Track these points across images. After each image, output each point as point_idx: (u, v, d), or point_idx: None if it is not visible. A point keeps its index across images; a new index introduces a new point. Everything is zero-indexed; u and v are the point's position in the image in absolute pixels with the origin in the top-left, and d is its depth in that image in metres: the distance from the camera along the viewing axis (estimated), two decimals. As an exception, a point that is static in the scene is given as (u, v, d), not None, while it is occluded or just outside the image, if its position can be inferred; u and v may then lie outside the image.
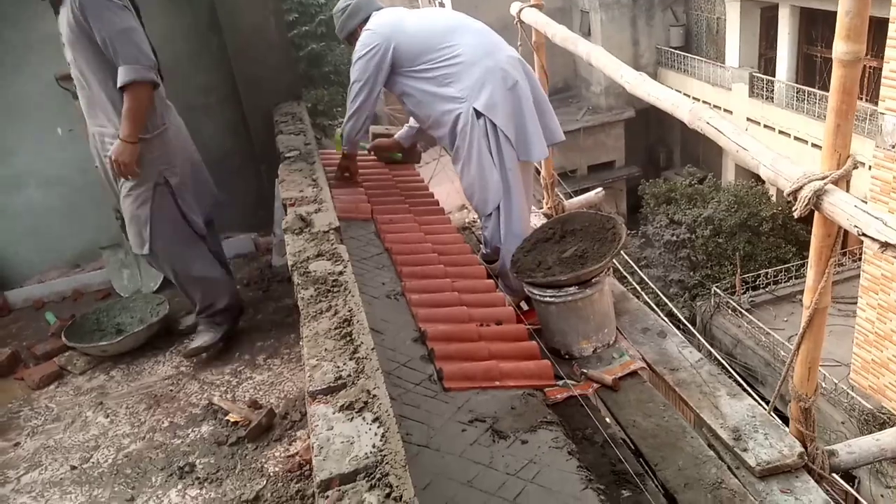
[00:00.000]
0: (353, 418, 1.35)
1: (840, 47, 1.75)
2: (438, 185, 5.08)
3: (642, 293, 9.28)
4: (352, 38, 3.40)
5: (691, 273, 13.81)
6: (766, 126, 14.79)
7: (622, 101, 18.90)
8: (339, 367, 1.52)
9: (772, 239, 13.58)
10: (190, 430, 2.68)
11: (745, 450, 2.30)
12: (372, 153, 4.07)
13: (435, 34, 3.24)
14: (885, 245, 1.67)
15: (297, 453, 2.41)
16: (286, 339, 3.19)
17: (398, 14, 3.36)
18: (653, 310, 3.59)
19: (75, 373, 3.15)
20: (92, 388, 3.05)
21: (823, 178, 1.87)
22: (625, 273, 9.23)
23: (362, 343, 1.59)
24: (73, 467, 2.56)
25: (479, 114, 3.10)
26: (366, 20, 3.34)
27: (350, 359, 1.54)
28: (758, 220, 13.56)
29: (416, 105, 3.33)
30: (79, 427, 2.79)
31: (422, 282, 2.85)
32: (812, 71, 14.98)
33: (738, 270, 12.94)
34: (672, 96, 2.59)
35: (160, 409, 2.84)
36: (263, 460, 2.44)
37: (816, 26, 14.59)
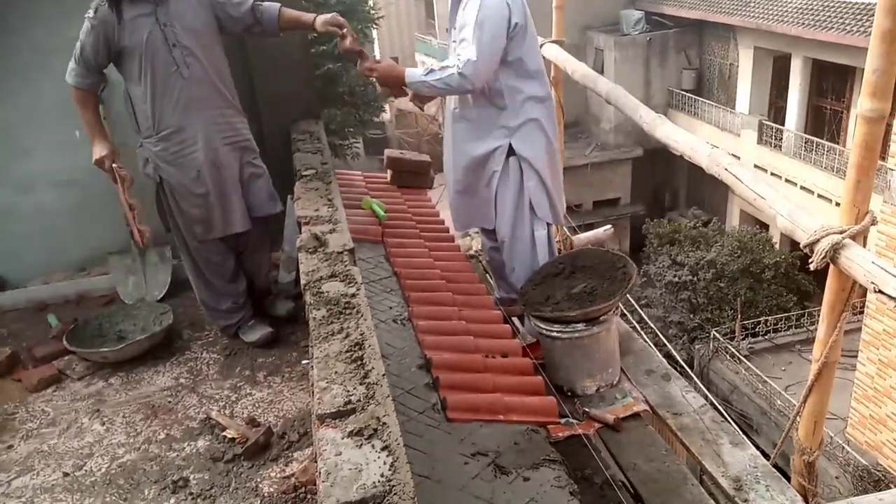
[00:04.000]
0: (361, 445, 1.33)
1: (865, 104, 1.76)
2: (442, 210, 5.06)
3: (641, 333, 9.22)
4: None
5: (691, 315, 13.76)
6: (772, 174, 14.85)
7: (631, 140, 19.00)
8: (349, 391, 1.51)
9: (773, 287, 13.54)
10: (186, 443, 2.64)
11: (745, 501, 2.27)
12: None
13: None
14: (902, 304, 1.66)
15: (293, 475, 2.38)
16: (288, 356, 3.17)
17: None
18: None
19: (74, 378, 3.13)
20: (89, 394, 3.02)
21: (841, 233, 1.87)
22: (625, 311, 9.21)
23: (373, 368, 1.58)
24: (66, 474, 2.52)
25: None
26: None
27: (360, 383, 1.52)
28: (760, 266, 13.54)
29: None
30: (74, 433, 2.76)
31: (429, 308, 2.84)
32: (821, 122, 15.07)
33: (739, 316, 12.89)
34: (690, 140, 2.61)
35: (157, 420, 2.81)
36: (258, 479, 2.41)
37: (827, 79, 14.71)
